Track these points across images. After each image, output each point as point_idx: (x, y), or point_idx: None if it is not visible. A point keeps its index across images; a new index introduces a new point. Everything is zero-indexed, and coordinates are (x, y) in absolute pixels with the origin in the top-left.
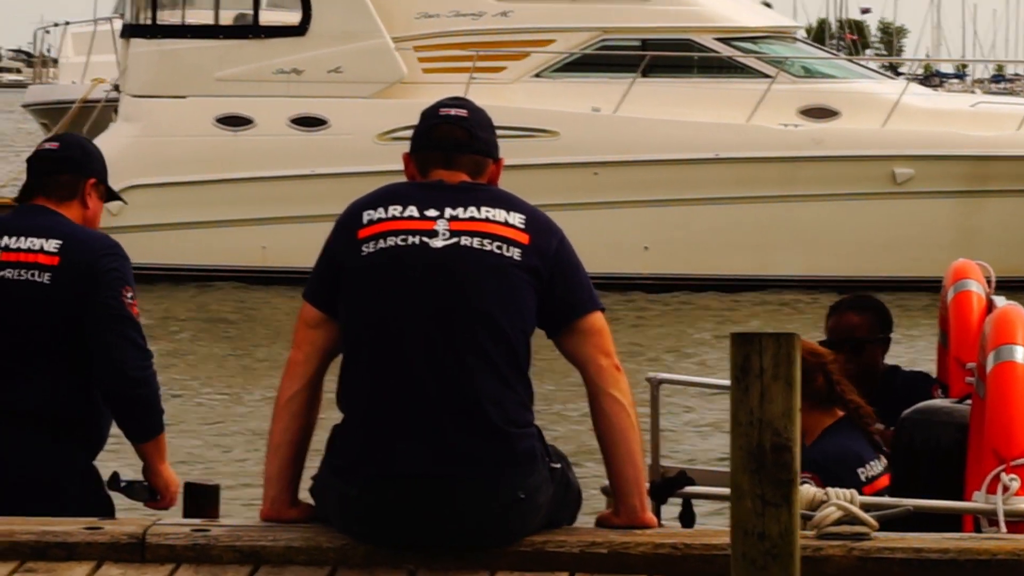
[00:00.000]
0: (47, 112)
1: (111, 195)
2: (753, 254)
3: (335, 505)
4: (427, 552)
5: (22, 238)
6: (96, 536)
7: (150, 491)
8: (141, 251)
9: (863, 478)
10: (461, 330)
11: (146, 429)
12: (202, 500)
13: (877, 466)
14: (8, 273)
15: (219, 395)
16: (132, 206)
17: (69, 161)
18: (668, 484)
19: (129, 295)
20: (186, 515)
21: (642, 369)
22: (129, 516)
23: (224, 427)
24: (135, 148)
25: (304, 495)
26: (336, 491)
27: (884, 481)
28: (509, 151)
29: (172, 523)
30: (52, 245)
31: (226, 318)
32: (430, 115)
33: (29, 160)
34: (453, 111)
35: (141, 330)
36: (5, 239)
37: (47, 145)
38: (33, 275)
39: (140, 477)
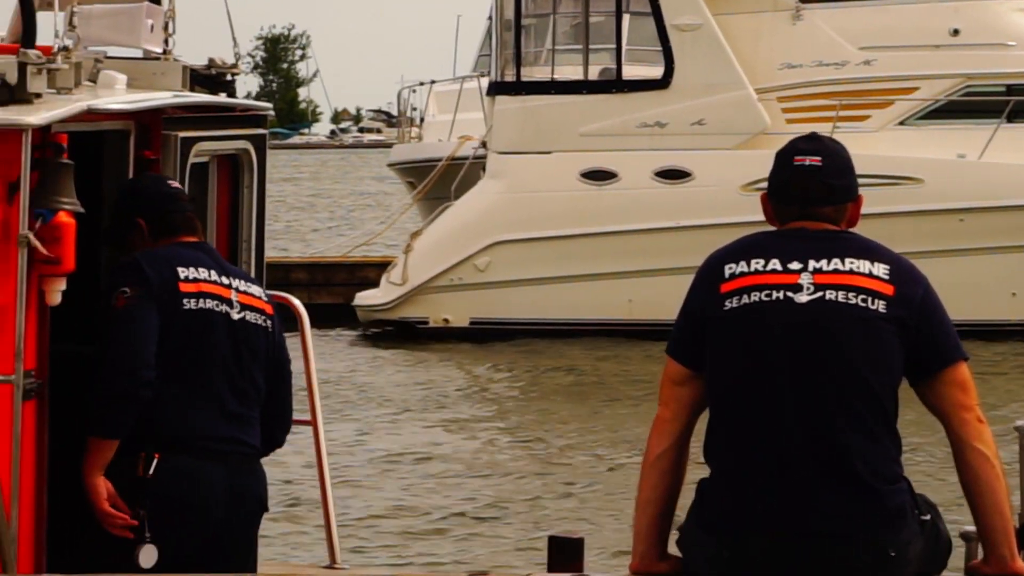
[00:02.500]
0: (413, 170)
1: None
2: None
3: (703, 560)
4: None
5: (243, 281)
6: None
7: None
8: (507, 306)
9: None
10: (828, 386)
11: None
12: (567, 553)
13: None
14: (248, 316)
15: (585, 449)
16: (498, 261)
17: (192, 199)
18: None
19: None
20: (551, 568)
21: (1011, 416)
22: (503, 571)
23: (590, 480)
24: (501, 204)
25: (672, 547)
26: (704, 546)
27: None
28: (874, 199)
29: None
30: (263, 293)
31: (593, 372)
32: (785, 163)
33: (165, 196)
34: (808, 160)
35: None
36: (233, 280)
37: (174, 183)
38: (264, 322)
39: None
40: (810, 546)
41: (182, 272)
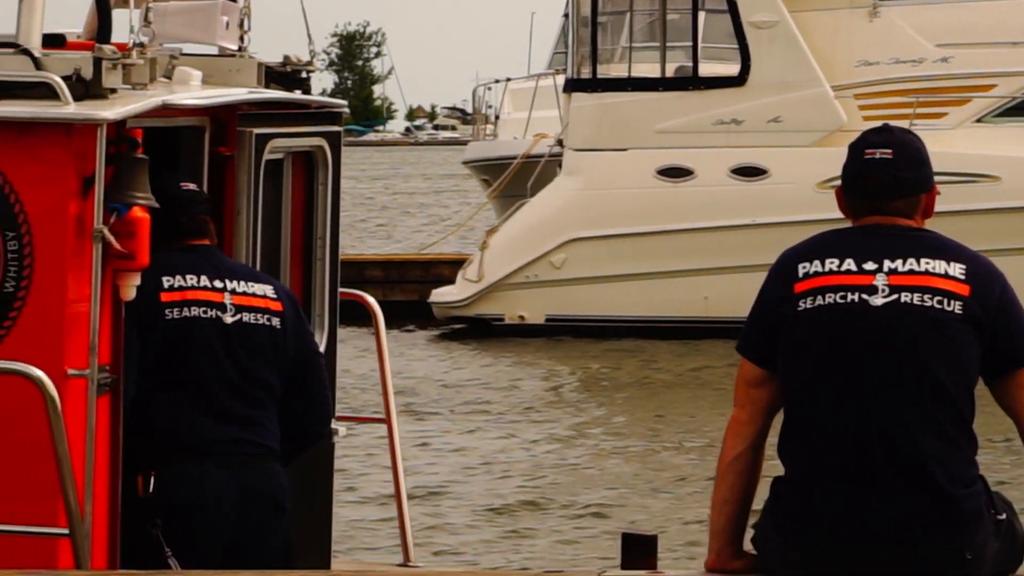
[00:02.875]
0: (488, 168)
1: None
2: None
3: (778, 560)
4: None
5: (242, 282)
6: None
7: None
8: (583, 303)
9: None
10: (902, 390)
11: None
12: (640, 550)
13: None
14: (246, 317)
15: (660, 446)
16: (574, 258)
17: (208, 201)
18: None
19: None
20: (624, 565)
21: None
22: (576, 569)
23: (664, 477)
24: (577, 201)
25: (748, 544)
26: (778, 547)
27: None
28: (950, 197)
29: (618, 575)
30: (270, 290)
31: (668, 369)
32: (856, 157)
33: (173, 200)
34: (878, 153)
35: None
36: (230, 282)
37: (188, 185)
38: (268, 320)
39: None
40: (884, 552)
41: (166, 282)
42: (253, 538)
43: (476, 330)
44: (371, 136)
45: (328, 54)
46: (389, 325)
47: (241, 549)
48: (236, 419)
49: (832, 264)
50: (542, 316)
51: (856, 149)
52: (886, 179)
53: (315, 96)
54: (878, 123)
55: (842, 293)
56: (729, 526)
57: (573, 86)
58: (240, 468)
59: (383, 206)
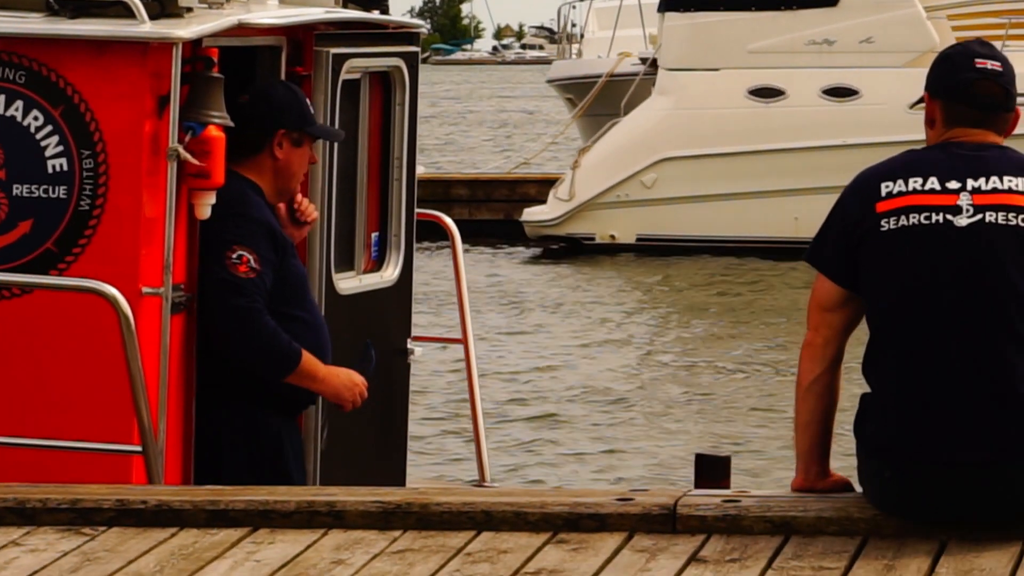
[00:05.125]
0: (572, 87)
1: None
2: None
3: (867, 481)
4: (961, 527)
5: None
6: (627, 507)
7: None
8: (674, 223)
9: None
10: (991, 312)
11: None
12: (713, 471)
13: None
14: None
15: (745, 366)
16: (665, 178)
17: (254, 118)
18: None
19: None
20: (697, 486)
21: None
22: (657, 488)
23: (745, 397)
24: (669, 121)
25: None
26: (868, 468)
27: None
28: None
29: (702, 494)
30: None
31: (758, 289)
32: (965, 65)
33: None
34: (989, 64)
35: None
36: None
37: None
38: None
39: None
40: (978, 474)
41: None
42: None
43: (567, 249)
44: (458, 55)
45: None
46: (475, 244)
47: None
48: None
49: (916, 183)
50: (633, 236)
51: (962, 57)
52: (997, 91)
53: (393, 16)
54: None
55: (926, 213)
56: (814, 447)
57: (667, 5)
58: None
59: (469, 124)
